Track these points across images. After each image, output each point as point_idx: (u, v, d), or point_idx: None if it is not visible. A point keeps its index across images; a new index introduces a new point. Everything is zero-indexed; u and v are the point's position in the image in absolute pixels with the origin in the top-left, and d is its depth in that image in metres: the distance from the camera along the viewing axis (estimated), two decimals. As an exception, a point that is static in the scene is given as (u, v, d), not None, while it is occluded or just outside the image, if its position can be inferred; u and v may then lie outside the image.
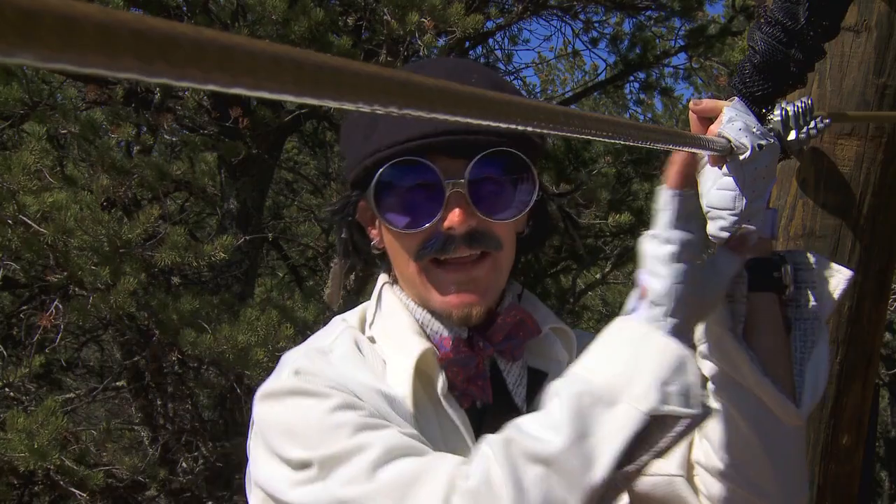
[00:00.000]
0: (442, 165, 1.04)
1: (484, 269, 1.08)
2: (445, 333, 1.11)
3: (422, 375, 1.08)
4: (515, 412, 1.09)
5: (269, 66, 0.26)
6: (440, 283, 1.08)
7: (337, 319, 1.19)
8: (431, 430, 1.05)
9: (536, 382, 1.14)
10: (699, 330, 1.13)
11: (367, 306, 1.19)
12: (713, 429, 1.12)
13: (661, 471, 1.15)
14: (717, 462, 1.12)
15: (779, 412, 1.10)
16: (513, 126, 0.45)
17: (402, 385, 1.06)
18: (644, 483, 1.17)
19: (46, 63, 0.22)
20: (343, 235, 1.17)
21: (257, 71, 0.26)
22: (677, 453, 1.15)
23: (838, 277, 1.17)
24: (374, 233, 1.16)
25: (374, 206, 1.07)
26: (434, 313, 1.12)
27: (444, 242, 1.05)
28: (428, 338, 1.11)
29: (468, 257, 1.07)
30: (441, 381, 1.07)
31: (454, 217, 1.04)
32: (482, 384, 1.10)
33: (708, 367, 1.14)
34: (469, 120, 0.42)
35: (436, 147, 1.03)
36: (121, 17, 0.22)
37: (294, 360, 1.08)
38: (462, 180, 1.04)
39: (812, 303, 1.16)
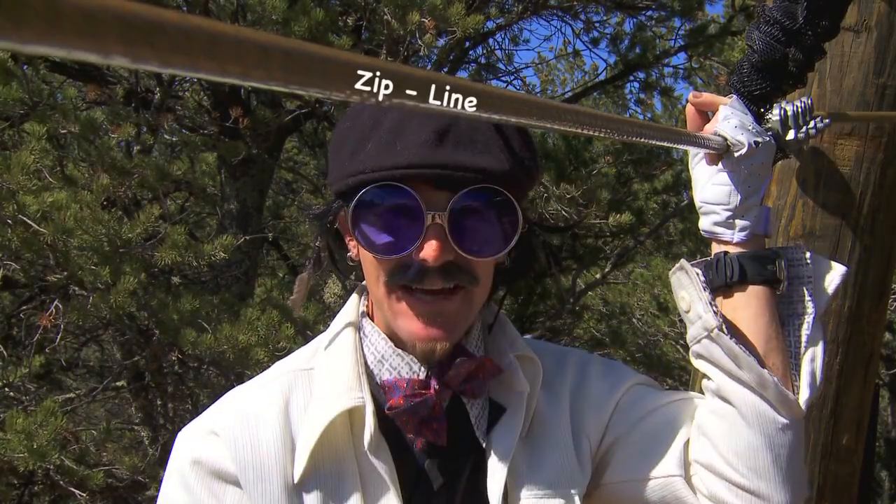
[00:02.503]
0: (425, 195, 1.01)
1: (455, 302, 1.05)
2: (403, 373, 1.09)
3: (353, 423, 1.08)
4: (476, 448, 1.11)
5: (256, 53, 0.26)
6: (408, 311, 1.05)
7: (295, 353, 1.19)
8: (349, 483, 1.05)
9: (496, 416, 1.13)
10: (693, 330, 1.14)
11: (336, 325, 1.18)
12: (712, 427, 1.12)
13: (659, 472, 1.15)
14: (718, 460, 1.11)
15: (778, 404, 1.09)
16: (508, 119, 0.45)
17: (309, 441, 1.05)
18: (639, 486, 1.16)
19: (32, 47, 0.22)
20: (318, 244, 1.16)
21: (245, 59, 0.25)
22: (674, 455, 1.14)
23: (832, 273, 1.17)
24: (351, 244, 1.14)
25: (351, 225, 1.05)
26: (398, 346, 1.10)
27: (418, 272, 1.03)
28: (375, 379, 1.11)
29: (440, 290, 1.04)
30: (368, 436, 1.05)
31: (430, 249, 1.01)
32: (437, 427, 1.08)
33: (704, 366, 1.14)
34: (462, 113, 0.41)
35: (421, 177, 1.01)
36: (107, 2, 0.21)
37: (207, 420, 1.10)
38: (443, 212, 1.01)
39: (806, 299, 1.16)
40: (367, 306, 1.16)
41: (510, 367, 1.14)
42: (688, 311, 1.14)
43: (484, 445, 1.11)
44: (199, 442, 1.08)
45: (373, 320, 1.14)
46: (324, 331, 1.22)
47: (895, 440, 10.43)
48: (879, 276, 1.71)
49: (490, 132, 1.04)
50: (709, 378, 1.14)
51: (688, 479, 1.14)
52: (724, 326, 1.10)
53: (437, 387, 1.07)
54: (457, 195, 1.01)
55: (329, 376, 1.10)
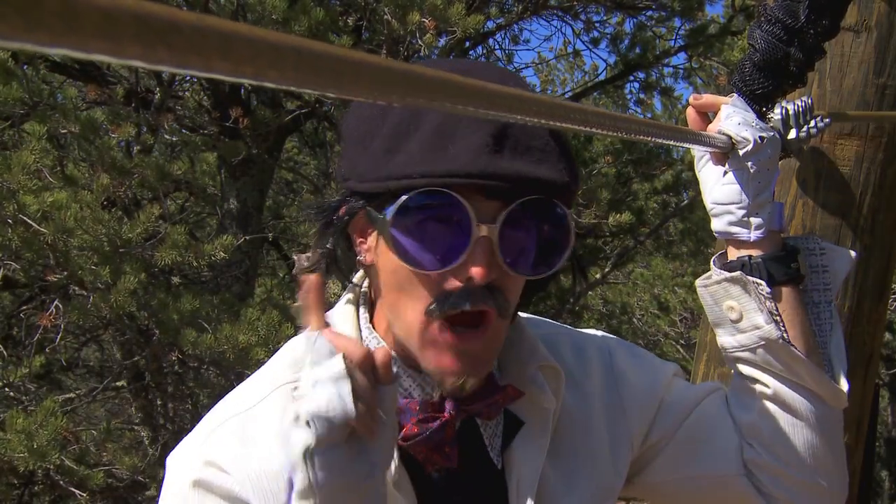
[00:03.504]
0: (474, 205, 0.90)
1: (482, 342, 0.95)
2: (415, 393, 1.00)
3: None
4: (490, 468, 1.04)
5: (270, 53, 0.26)
6: (442, 345, 0.94)
7: (284, 356, 1.05)
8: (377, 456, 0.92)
9: (512, 432, 1.05)
10: (742, 338, 1.12)
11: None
12: (768, 430, 1.12)
13: (716, 471, 1.15)
14: (778, 461, 1.12)
15: (829, 398, 1.11)
16: (510, 117, 0.45)
17: None
18: (694, 484, 1.16)
19: (48, 48, 0.22)
20: (329, 245, 1.02)
21: (259, 59, 0.26)
22: (733, 453, 1.14)
23: (843, 259, 1.17)
24: (363, 246, 1.01)
25: (389, 233, 0.92)
26: (408, 366, 1.00)
27: (462, 294, 0.92)
28: None
29: (472, 323, 0.94)
30: (393, 470, 0.95)
31: (478, 265, 0.90)
32: (449, 451, 0.97)
33: (753, 372, 1.14)
34: (470, 109, 0.41)
35: (475, 186, 0.89)
36: (123, 2, 0.22)
37: (204, 450, 0.97)
38: (494, 225, 0.90)
39: (822, 288, 1.17)
40: (369, 316, 1.04)
41: (534, 382, 1.05)
42: (737, 321, 1.12)
43: (499, 466, 1.04)
44: (198, 470, 0.95)
45: (376, 326, 1.03)
46: None
47: (895, 440, 10.43)
48: (879, 276, 1.71)
49: (546, 138, 0.93)
50: (758, 382, 1.13)
51: (748, 476, 1.15)
52: (786, 335, 1.09)
53: (452, 411, 0.98)
54: (509, 207, 0.90)
55: None
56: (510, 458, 1.04)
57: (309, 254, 1.08)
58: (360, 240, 1.01)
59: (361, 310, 1.05)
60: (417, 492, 0.99)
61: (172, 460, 1.00)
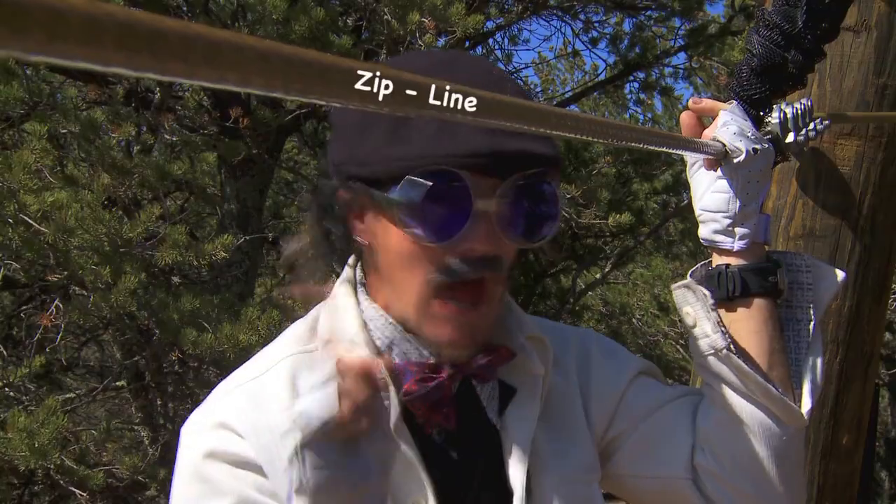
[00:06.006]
0: (474, 181, 0.96)
1: (482, 313, 1.01)
2: (413, 356, 1.04)
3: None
4: (490, 429, 1.07)
5: (256, 61, 0.26)
6: (440, 318, 1.00)
7: (287, 334, 1.11)
8: (373, 460, 0.99)
9: (506, 398, 1.09)
10: (700, 345, 1.13)
11: (322, 312, 1.10)
12: (718, 438, 1.13)
13: (666, 473, 1.16)
14: (724, 470, 1.12)
15: (784, 416, 1.11)
16: (507, 125, 0.45)
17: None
18: (644, 482, 1.18)
19: (34, 55, 0.22)
20: (332, 229, 1.08)
21: (244, 66, 0.26)
22: (682, 457, 1.15)
23: (831, 279, 1.17)
24: (360, 226, 1.06)
25: (399, 211, 0.97)
26: (407, 331, 1.04)
27: (462, 266, 0.98)
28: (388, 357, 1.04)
29: (472, 297, 1.00)
30: (394, 415, 1.00)
31: (478, 237, 0.96)
32: (447, 411, 1.03)
33: (710, 379, 1.15)
34: (462, 119, 0.41)
35: (478, 165, 0.96)
36: (108, 10, 0.22)
37: (217, 412, 1.02)
38: (492, 200, 0.97)
39: (805, 305, 1.17)
40: (367, 286, 1.09)
41: (523, 350, 1.09)
42: (693, 327, 1.14)
43: (497, 427, 1.07)
44: (211, 436, 1.01)
45: (375, 301, 1.07)
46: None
47: (895, 440, 10.43)
48: (879, 276, 1.71)
49: None
50: (714, 389, 1.15)
51: (695, 481, 1.15)
52: (732, 346, 1.10)
53: (450, 371, 1.03)
54: (506, 181, 0.97)
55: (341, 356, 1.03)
56: (505, 422, 1.08)
57: (296, 239, 1.12)
58: (357, 222, 1.06)
59: (360, 287, 1.10)
60: (418, 446, 1.02)
61: (185, 430, 1.04)
